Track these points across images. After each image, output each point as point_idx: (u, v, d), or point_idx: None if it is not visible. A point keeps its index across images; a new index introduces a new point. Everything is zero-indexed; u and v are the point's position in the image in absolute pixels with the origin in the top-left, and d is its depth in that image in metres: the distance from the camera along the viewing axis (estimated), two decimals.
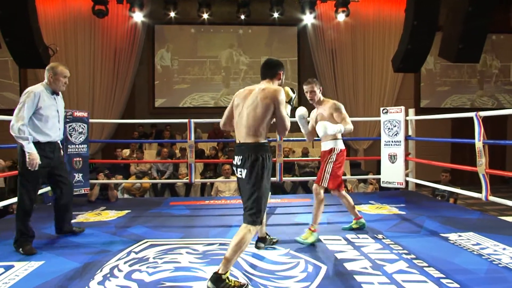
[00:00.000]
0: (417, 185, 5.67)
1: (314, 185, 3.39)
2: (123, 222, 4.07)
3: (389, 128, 5.34)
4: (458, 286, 2.33)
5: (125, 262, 2.82)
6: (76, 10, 9.60)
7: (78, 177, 5.00)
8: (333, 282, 2.43)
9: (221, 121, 2.80)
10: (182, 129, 9.19)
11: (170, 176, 7.72)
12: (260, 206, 2.45)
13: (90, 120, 5.37)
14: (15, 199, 3.89)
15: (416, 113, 5.64)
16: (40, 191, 5.25)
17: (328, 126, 3.11)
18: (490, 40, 10.53)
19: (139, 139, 9.28)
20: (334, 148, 3.41)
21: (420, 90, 11.11)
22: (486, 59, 11.09)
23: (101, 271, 2.67)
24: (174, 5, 9.42)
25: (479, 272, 2.56)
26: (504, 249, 3.01)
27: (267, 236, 3.18)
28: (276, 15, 9.40)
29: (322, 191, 3.31)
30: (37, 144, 3.16)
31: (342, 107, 3.38)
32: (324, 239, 3.32)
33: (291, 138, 7.68)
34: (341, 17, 9.45)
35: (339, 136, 3.45)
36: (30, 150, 3.07)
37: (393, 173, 5.31)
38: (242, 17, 9.61)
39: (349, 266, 2.70)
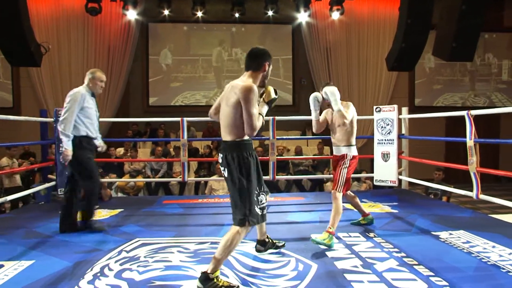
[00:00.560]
0: (411, 183, 5.70)
1: (332, 191, 3.39)
2: (116, 221, 4.06)
3: (382, 127, 5.35)
4: (447, 284, 2.35)
5: (116, 261, 2.82)
6: (69, 8, 9.52)
7: None
8: (323, 281, 2.44)
9: (211, 109, 2.72)
10: (176, 127, 9.11)
11: (164, 175, 7.70)
12: (244, 206, 2.37)
13: None
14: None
15: (411, 112, 5.66)
16: (32, 190, 5.25)
17: (330, 90, 3.30)
18: (483, 38, 10.56)
19: (133, 138, 9.24)
20: (347, 155, 3.44)
21: (415, 88, 11.14)
22: (479, 57, 11.12)
23: (91, 270, 2.66)
24: (168, 3, 9.37)
25: (468, 270, 2.58)
26: (493, 247, 3.03)
27: (268, 240, 3.02)
28: (270, 13, 9.38)
29: (339, 196, 3.32)
30: (85, 137, 3.59)
31: (351, 106, 3.46)
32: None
33: (284, 137, 7.68)
34: (335, 15, 9.44)
35: (353, 142, 3.48)
36: (68, 147, 3.47)
37: (386, 171, 5.33)
38: (237, 15, 9.58)
39: (339, 264, 2.71)
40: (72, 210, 3.66)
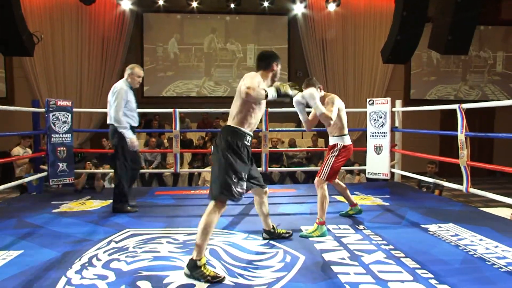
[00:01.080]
0: (404, 176, 5.71)
1: (316, 178, 3.39)
2: (107, 212, 4.06)
3: (375, 119, 5.35)
4: (432, 276, 2.36)
5: (104, 252, 2.82)
6: None
7: (62, 167, 4.96)
8: (309, 272, 2.45)
9: None
10: (171, 118, 9.11)
11: (158, 166, 7.69)
12: (218, 181, 2.47)
13: (78, 110, 5.33)
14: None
15: (406, 105, 5.65)
16: (25, 180, 5.23)
17: (309, 93, 3.05)
18: (478, 30, 10.51)
19: None
20: (337, 144, 3.45)
21: (411, 81, 11.12)
22: (473, 50, 11.08)
23: (80, 260, 2.66)
24: None
25: (454, 262, 2.60)
26: (480, 239, 3.05)
27: (275, 229, 3.09)
28: (266, 4, 9.32)
29: (324, 185, 3.31)
30: (130, 128, 3.89)
31: (336, 100, 3.33)
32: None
33: (277, 129, 7.66)
34: (331, 7, 9.40)
35: (346, 132, 3.47)
36: (131, 136, 3.84)
37: (378, 164, 5.34)
38: (232, 5, 9.51)
39: (327, 256, 2.72)
40: (124, 193, 3.99)
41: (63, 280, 2.35)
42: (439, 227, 3.42)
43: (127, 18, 9.72)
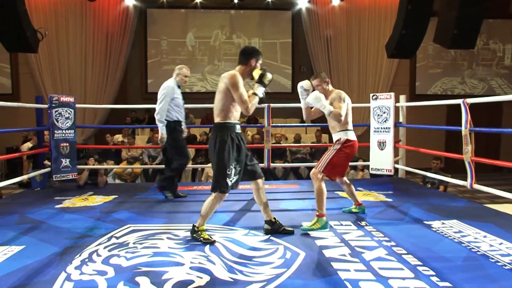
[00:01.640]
0: (409, 172, 5.66)
1: (312, 170, 3.37)
2: (109, 207, 4.06)
3: (378, 115, 5.30)
4: (434, 273, 2.33)
5: (105, 247, 2.82)
6: None
7: (65, 163, 4.97)
8: (309, 269, 2.43)
9: None
10: None
11: (162, 162, 7.68)
12: (217, 176, 2.86)
13: (82, 106, 5.34)
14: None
15: (411, 100, 5.59)
16: (25, 176, 5.26)
17: (314, 97, 3.12)
18: (486, 23, 10.35)
19: (132, 125, 9.22)
20: (340, 138, 3.40)
21: (416, 75, 11.00)
22: (481, 41, 10.93)
23: (80, 255, 2.66)
24: None
25: (457, 259, 2.56)
26: (484, 236, 3.01)
27: (275, 221, 3.11)
28: None
29: (320, 176, 3.27)
30: (177, 121, 4.26)
31: (343, 96, 3.32)
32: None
33: (279, 124, 7.62)
34: (336, 1, 9.31)
35: (350, 127, 3.42)
36: (163, 131, 4.18)
37: (382, 160, 5.29)
38: (236, 0, 9.46)
39: (327, 253, 2.70)
40: (175, 179, 4.47)
41: (63, 275, 2.35)
42: (443, 223, 3.38)
43: (131, 14, 9.73)
